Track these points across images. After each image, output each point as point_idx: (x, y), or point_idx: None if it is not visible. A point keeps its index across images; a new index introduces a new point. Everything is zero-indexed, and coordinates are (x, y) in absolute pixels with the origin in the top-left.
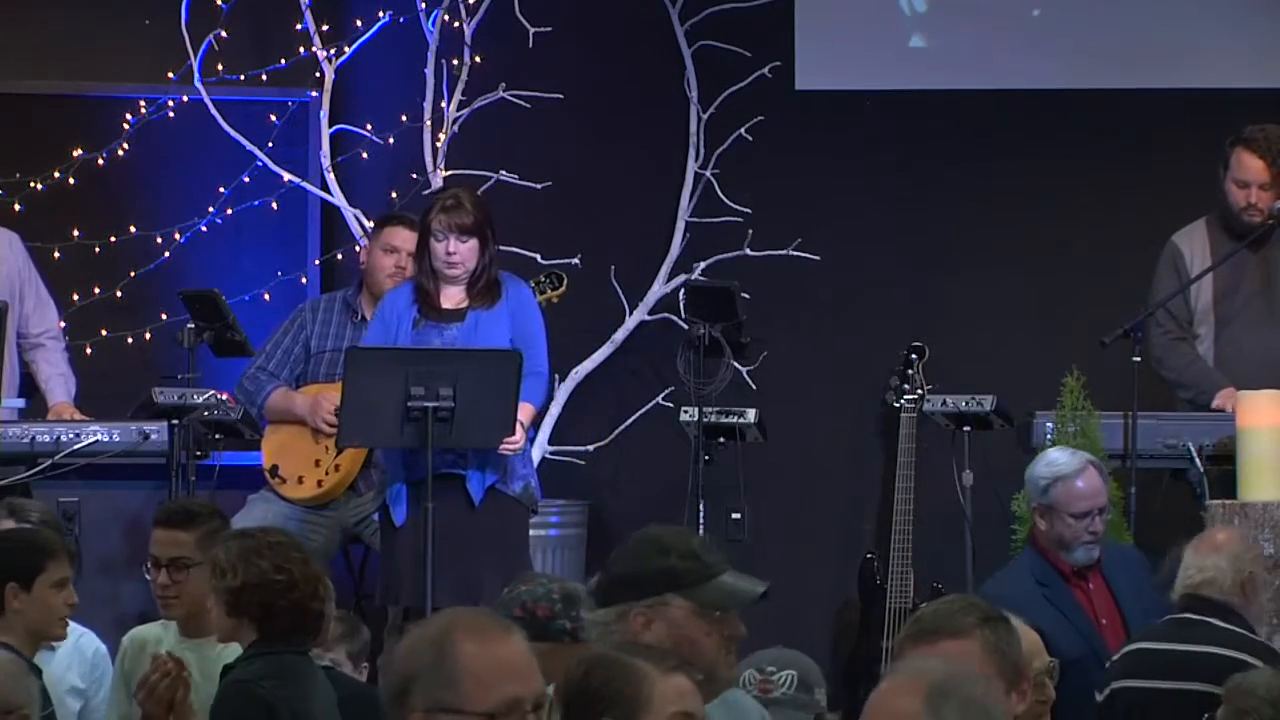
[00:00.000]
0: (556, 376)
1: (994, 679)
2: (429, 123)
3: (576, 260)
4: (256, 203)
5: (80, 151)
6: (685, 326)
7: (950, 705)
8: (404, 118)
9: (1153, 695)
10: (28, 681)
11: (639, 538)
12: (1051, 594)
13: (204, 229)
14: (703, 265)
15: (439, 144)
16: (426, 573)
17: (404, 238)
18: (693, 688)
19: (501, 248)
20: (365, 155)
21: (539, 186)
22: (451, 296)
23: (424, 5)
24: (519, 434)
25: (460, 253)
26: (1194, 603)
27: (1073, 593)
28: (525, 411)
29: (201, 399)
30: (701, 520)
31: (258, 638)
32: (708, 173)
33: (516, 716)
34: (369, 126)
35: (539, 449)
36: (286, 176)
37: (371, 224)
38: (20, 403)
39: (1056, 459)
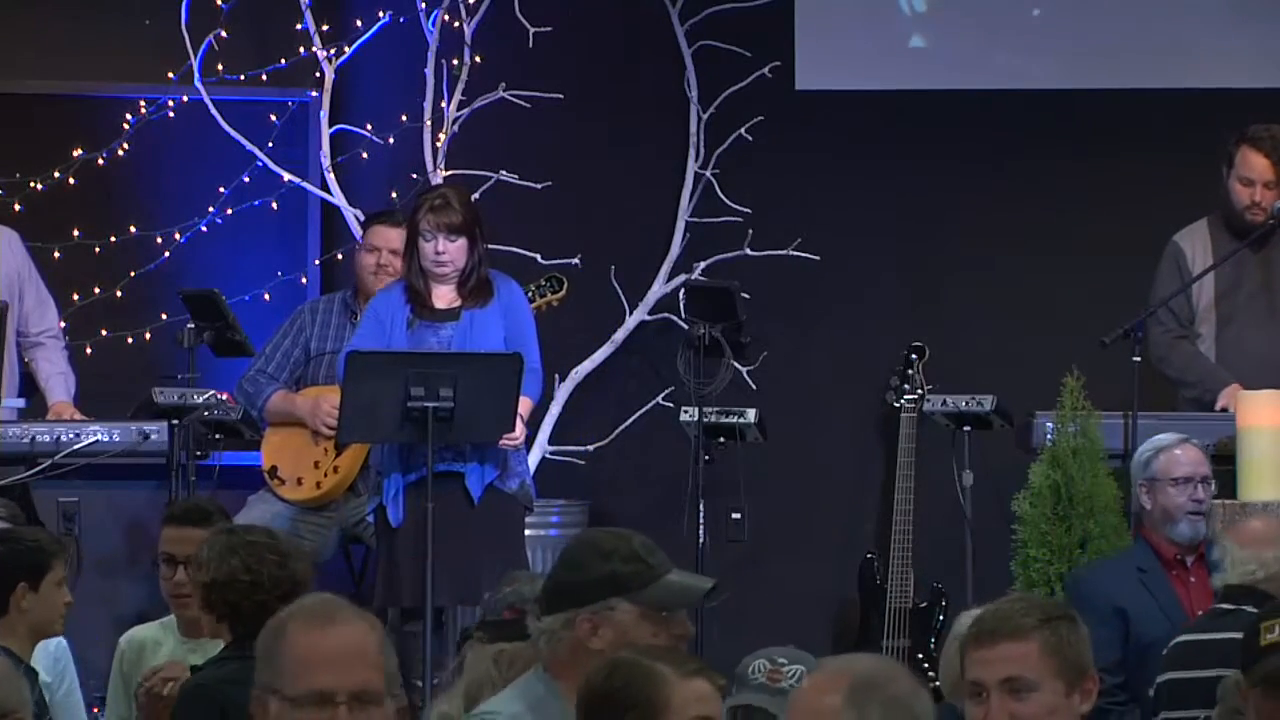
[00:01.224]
0: (557, 376)
1: (1052, 679)
2: (429, 123)
3: (576, 260)
4: (256, 203)
5: (80, 151)
6: (685, 326)
7: (873, 702)
8: (404, 118)
9: (1187, 684)
10: (21, 684)
11: (578, 543)
12: (1148, 579)
13: (204, 229)
14: (703, 265)
15: (439, 144)
16: (427, 572)
17: (385, 236)
18: (713, 691)
19: (501, 248)
20: (365, 155)
21: (539, 186)
22: (443, 296)
23: (424, 5)
24: (519, 429)
25: (449, 252)
26: (1233, 593)
27: (1170, 580)
28: (524, 405)
29: (201, 399)
30: (701, 520)
31: (233, 638)
32: (708, 173)
33: (326, 709)
34: (369, 126)
35: (539, 449)
36: (286, 176)
37: None
38: (20, 403)
39: (1159, 436)
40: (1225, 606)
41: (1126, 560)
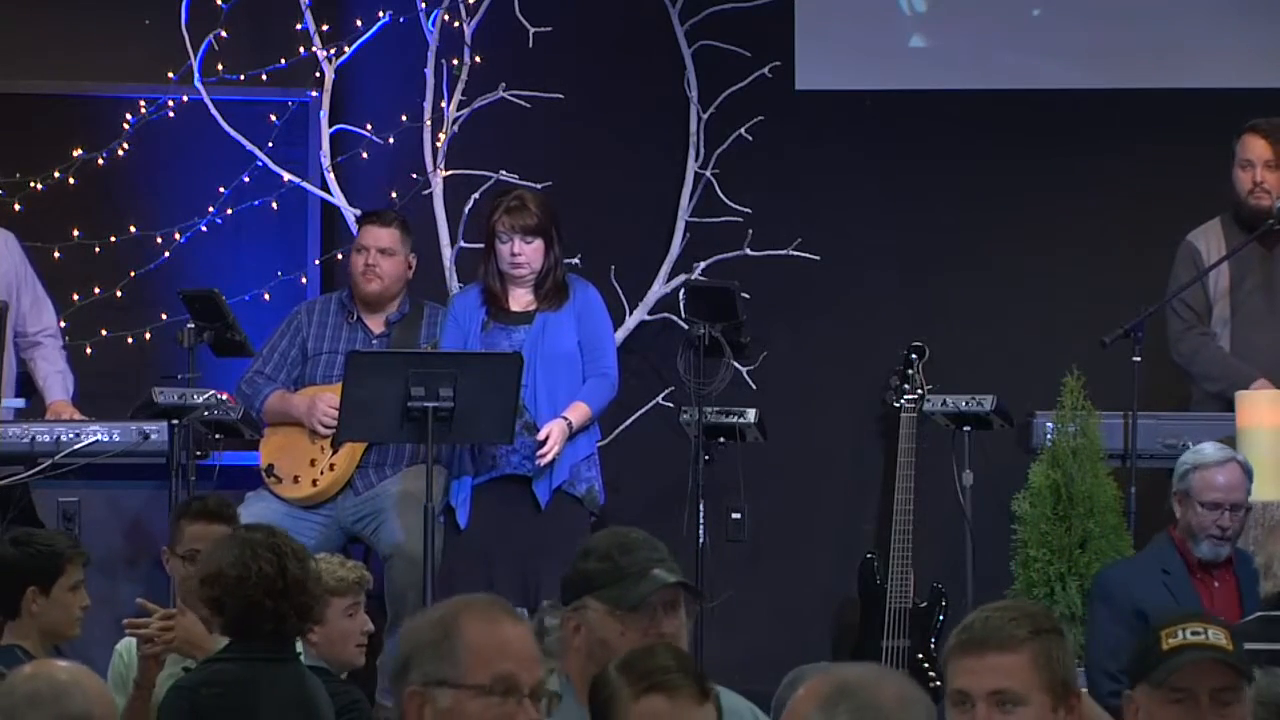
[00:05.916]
0: None
1: (1040, 693)
2: (429, 123)
3: (577, 260)
4: (256, 203)
5: (80, 151)
6: (685, 326)
7: (841, 710)
8: (404, 118)
9: None
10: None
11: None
12: (1171, 581)
13: (204, 229)
14: (703, 265)
15: (439, 144)
16: (426, 576)
17: (375, 235)
18: None
19: None
20: (365, 155)
21: (539, 187)
22: (520, 299)
23: (424, 5)
24: (550, 445)
25: (525, 254)
26: None
27: (1194, 585)
28: (578, 411)
29: (201, 399)
30: (701, 520)
31: (226, 636)
32: (708, 173)
33: (513, 697)
34: (369, 126)
35: None
36: (286, 176)
37: None
38: (20, 403)
39: (1204, 448)
40: (1275, 614)
41: (1152, 560)
